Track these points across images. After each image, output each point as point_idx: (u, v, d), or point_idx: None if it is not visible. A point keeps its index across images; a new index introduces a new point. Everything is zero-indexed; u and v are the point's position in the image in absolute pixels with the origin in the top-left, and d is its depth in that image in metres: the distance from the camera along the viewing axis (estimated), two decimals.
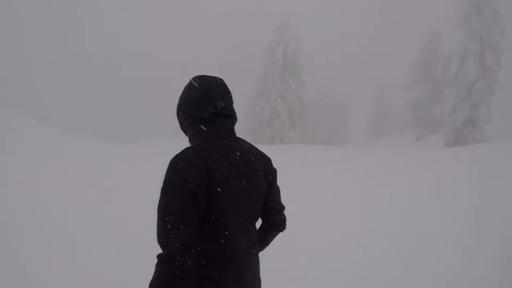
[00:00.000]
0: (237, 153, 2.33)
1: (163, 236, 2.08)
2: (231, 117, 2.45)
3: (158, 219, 2.11)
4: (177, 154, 2.19)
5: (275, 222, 2.61)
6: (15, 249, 6.22)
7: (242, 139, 2.49)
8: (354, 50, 67.39)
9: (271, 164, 2.56)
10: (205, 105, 2.34)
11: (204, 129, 2.34)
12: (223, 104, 2.39)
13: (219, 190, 2.16)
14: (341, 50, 64.96)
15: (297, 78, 36.02)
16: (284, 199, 2.70)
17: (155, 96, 62.24)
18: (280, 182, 2.63)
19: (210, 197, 2.14)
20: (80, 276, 5.88)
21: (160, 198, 2.13)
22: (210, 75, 2.49)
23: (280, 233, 2.71)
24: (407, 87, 38.99)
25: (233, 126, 2.47)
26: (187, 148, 2.26)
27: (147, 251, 3.15)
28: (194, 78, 2.43)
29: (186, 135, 2.52)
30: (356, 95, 55.67)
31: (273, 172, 2.55)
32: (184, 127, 2.50)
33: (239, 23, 68.51)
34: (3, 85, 51.10)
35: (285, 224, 2.65)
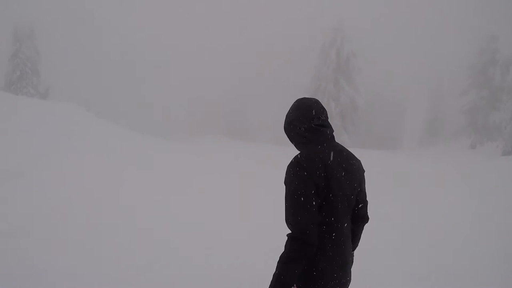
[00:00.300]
0: (339, 155, 2.93)
1: (292, 219, 2.68)
2: (329, 127, 3.02)
3: (287, 206, 2.74)
4: (297, 157, 2.80)
5: (361, 213, 3.14)
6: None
7: (338, 143, 3.11)
8: (409, 53, 66.55)
9: (361, 164, 3.14)
10: (310, 119, 2.93)
11: (312, 137, 2.93)
12: (322, 118, 2.99)
13: (333, 181, 2.76)
14: (395, 52, 64.27)
15: (351, 81, 35.79)
16: None
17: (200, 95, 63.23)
18: None
19: (326, 187, 2.74)
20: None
21: (288, 189, 2.75)
22: (307, 97, 3.20)
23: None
24: (463, 92, 38.21)
25: (332, 134, 3.05)
26: (304, 152, 2.87)
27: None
28: (298, 100, 3.09)
29: (292, 143, 3.10)
30: (411, 99, 54.98)
31: (363, 170, 3.14)
32: (292, 138, 3.07)
33: (292, 24, 68.69)
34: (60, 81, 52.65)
35: (368, 217, 3.21)
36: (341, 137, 33.60)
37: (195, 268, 6.51)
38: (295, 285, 2.76)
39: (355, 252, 3.27)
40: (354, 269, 3.14)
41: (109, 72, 68.44)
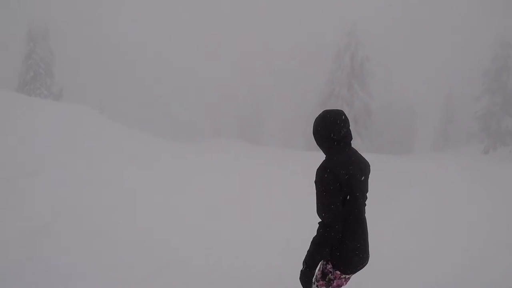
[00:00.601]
0: (356, 158, 3.79)
1: (322, 212, 3.57)
2: (350, 136, 3.81)
3: (318, 202, 3.60)
4: (324, 164, 3.63)
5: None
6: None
7: (354, 149, 3.92)
8: (423, 58, 66.43)
9: (369, 163, 3.98)
10: (336, 130, 3.68)
11: (336, 146, 3.72)
12: (345, 129, 3.73)
13: (353, 180, 3.62)
14: (409, 57, 64.18)
15: (364, 86, 35.80)
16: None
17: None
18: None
19: (348, 185, 3.57)
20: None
21: (318, 188, 3.57)
22: (334, 109, 3.87)
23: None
24: (477, 97, 38.09)
25: (351, 142, 3.85)
26: (328, 158, 3.74)
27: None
28: (325, 112, 3.79)
29: (320, 148, 3.86)
30: (424, 104, 54.85)
31: (370, 169, 3.98)
32: (320, 144, 3.82)
33: (307, 26, 68.75)
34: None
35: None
36: (355, 141, 33.56)
37: (195, 268, 6.55)
38: (329, 261, 3.75)
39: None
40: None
41: (123, 73, 68.94)
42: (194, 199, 10.42)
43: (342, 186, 3.53)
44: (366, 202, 3.95)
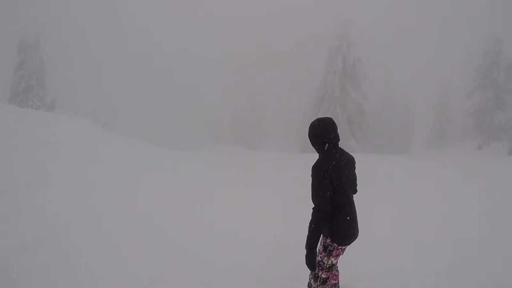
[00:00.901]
0: (343, 157, 4.84)
1: (315, 199, 4.55)
2: (338, 139, 4.87)
3: (313, 191, 4.58)
4: (317, 161, 4.66)
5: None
6: None
7: (342, 148, 4.93)
8: (415, 56, 66.56)
9: (353, 158, 5.07)
10: (328, 134, 4.78)
11: (327, 146, 4.79)
12: (334, 134, 4.81)
13: (340, 173, 4.63)
14: (402, 57, 64.28)
15: (357, 87, 35.87)
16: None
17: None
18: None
19: (337, 177, 4.59)
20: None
21: (313, 181, 4.59)
22: (323, 116, 5.05)
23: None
24: (469, 94, 38.23)
25: (338, 143, 4.88)
26: (321, 157, 4.76)
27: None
28: (319, 119, 4.88)
29: (314, 148, 4.95)
30: (418, 103, 54.96)
31: (354, 162, 5.05)
32: (314, 145, 4.92)
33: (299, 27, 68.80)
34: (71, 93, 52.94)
35: (356, 189, 5.13)
36: (348, 142, 33.66)
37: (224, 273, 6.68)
38: (327, 238, 4.80)
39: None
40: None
41: (117, 81, 68.86)
42: (193, 209, 10.45)
43: (330, 178, 4.55)
44: (357, 189, 5.15)
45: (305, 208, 5.72)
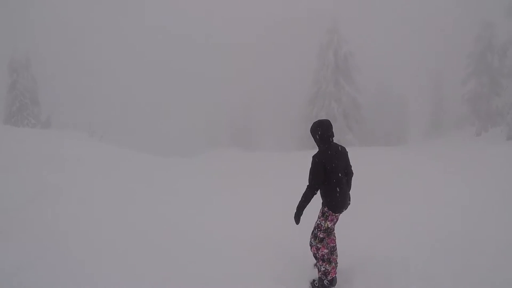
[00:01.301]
0: (334, 150, 6.15)
1: (310, 178, 5.94)
2: (333, 136, 6.22)
3: (310, 173, 5.99)
4: (317, 153, 6.06)
5: (349, 176, 6.44)
6: None
7: (335, 143, 6.29)
8: (406, 46, 66.66)
9: (346, 151, 6.43)
10: (326, 132, 6.12)
11: (325, 142, 6.14)
12: (330, 132, 6.16)
13: (333, 161, 6.03)
14: (393, 48, 64.38)
15: (351, 81, 35.71)
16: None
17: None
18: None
19: (330, 164, 5.95)
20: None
21: (311, 167, 5.97)
22: (322, 119, 6.45)
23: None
24: (464, 80, 38.17)
25: (332, 139, 6.22)
26: (319, 150, 6.13)
27: None
28: (319, 121, 6.27)
29: (315, 142, 6.29)
30: (413, 93, 54.97)
31: (347, 154, 6.40)
32: (315, 141, 6.27)
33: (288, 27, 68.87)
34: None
35: (352, 175, 6.49)
36: (346, 136, 33.55)
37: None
38: (324, 207, 6.23)
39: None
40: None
41: (111, 93, 68.94)
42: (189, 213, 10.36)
43: (324, 165, 6.00)
44: (352, 171, 6.55)
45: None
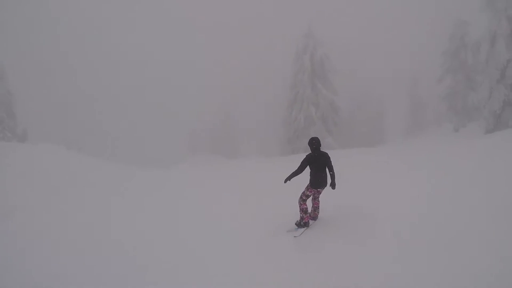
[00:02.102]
0: (318, 154, 9.81)
1: (297, 169, 9.78)
2: (320, 145, 9.89)
3: (300, 164, 9.81)
4: (307, 155, 9.92)
5: (331, 172, 9.79)
6: None
7: (319, 150, 9.89)
8: (381, 47, 67.01)
9: (327, 154, 9.92)
10: (316, 145, 9.80)
11: (313, 150, 9.83)
12: (317, 144, 9.84)
13: (315, 159, 9.80)
14: (367, 49, 64.68)
15: (327, 84, 35.74)
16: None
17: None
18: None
19: (313, 161, 9.79)
20: None
21: (302, 161, 9.79)
22: (315, 136, 13.42)
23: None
24: (439, 78, 38.48)
25: (319, 148, 9.89)
26: (308, 154, 10.00)
27: None
28: (313, 138, 9.87)
29: (310, 149, 9.91)
30: (390, 93, 55.25)
31: (326, 155, 9.87)
32: (309, 148, 9.86)
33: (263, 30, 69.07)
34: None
35: (333, 175, 9.74)
36: (326, 140, 33.64)
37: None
38: (308, 185, 9.94)
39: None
40: None
41: (84, 105, 68.47)
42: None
43: (308, 161, 9.63)
44: (332, 167, 9.76)
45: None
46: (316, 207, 10.46)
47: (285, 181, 9.90)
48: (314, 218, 10.44)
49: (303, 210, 10.08)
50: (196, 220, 11.25)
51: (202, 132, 60.34)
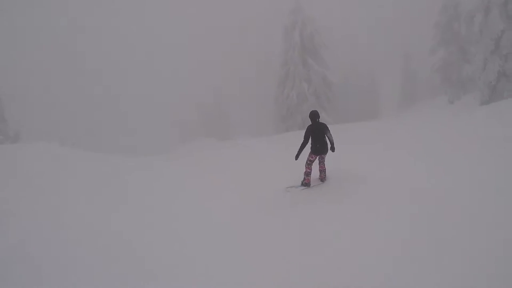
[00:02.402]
0: (317, 125, 11.19)
1: (303, 141, 11.26)
2: (319, 117, 11.33)
3: (304, 134, 11.27)
4: (309, 125, 11.36)
5: (330, 140, 11.09)
6: None
7: (318, 122, 11.31)
8: (372, 21, 66.60)
9: (325, 124, 11.36)
10: (316, 117, 11.22)
11: (314, 121, 11.20)
12: (318, 117, 11.32)
13: (315, 129, 11.21)
14: (359, 23, 64.27)
15: (319, 59, 35.28)
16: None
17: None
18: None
19: (313, 131, 11.20)
20: None
21: (305, 132, 11.25)
22: (314, 110, 11.83)
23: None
24: (432, 50, 38.12)
25: (318, 119, 11.31)
26: (310, 124, 11.33)
27: None
28: (313, 111, 11.38)
29: (311, 120, 11.30)
30: (382, 67, 54.95)
31: (325, 125, 11.26)
32: (310, 120, 11.28)
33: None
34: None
35: (332, 141, 11.12)
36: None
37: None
38: (310, 152, 11.44)
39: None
40: None
41: (75, 99, 68.27)
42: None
43: (311, 132, 11.03)
44: (331, 136, 10.97)
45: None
46: (321, 170, 11.87)
47: (296, 158, 11.35)
48: (322, 180, 11.92)
49: (306, 173, 11.64)
50: (194, 216, 10.74)
51: (193, 118, 60.08)
